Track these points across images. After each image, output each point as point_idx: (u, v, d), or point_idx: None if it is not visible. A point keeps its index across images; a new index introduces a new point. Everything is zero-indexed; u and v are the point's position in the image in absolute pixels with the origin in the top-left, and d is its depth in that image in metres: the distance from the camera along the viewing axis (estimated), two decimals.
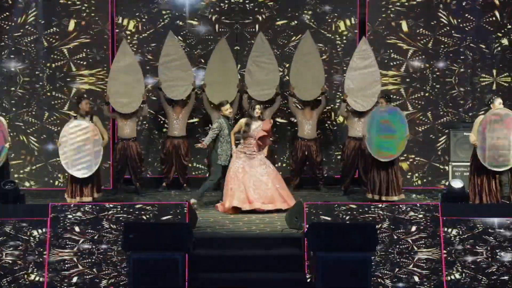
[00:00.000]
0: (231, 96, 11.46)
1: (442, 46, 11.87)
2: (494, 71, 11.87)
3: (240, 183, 9.93)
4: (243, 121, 10.26)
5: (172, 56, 11.55)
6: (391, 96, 11.29)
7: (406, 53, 11.86)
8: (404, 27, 11.86)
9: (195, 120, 12.06)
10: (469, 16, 11.81)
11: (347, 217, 8.23)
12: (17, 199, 9.07)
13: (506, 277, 8.15)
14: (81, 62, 11.78)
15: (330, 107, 12.06)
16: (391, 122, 10.10)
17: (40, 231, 8.14)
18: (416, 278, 8.07)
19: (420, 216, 8.25)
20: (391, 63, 11.83)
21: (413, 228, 8.21)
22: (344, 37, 12.05)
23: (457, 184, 9.46)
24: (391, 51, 11.84)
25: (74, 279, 8.00)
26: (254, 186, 9.93)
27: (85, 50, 11.78)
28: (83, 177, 9.82)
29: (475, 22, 11.81)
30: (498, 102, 9.65)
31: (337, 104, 12.00)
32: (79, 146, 9.81)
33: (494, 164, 9.45)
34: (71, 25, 11.76)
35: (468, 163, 9.93)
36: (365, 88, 11.10)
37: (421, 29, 11.86)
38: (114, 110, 11.35)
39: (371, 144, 10.09)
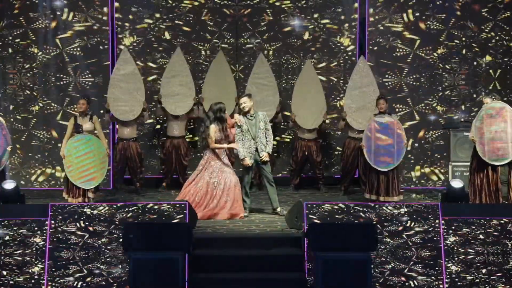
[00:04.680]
0: (229, 109, 11.53)
1: (442, 45, 11.92)
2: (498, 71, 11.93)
3: None
4: (214, 127, 9.63)
5: (176, 71, 11.60)
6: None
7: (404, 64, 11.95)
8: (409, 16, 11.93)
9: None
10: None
11: (347, 217, 8.23)
12: (17, 199, 9.06)
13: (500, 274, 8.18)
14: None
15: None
16: (386, 136, 10.06)
17: (40, 231, 8.14)
18: (416, 278, 8.07)
19: (420, 216, 8.24)
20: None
21: (413, 228, 8.20)
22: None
23: (457, 184, 9.45)
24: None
25: (74, 279, 7.99)
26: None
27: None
28: (89, 188, 9.89)
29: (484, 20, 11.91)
30: (489, 98, 9.72)
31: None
32: (83, 159, 9.83)
33: (494, 159, 9.42)
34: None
35: (468, 163, 9.93)
36: (364, 106, 11.10)
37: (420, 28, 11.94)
38: (113, 115, 11.36)
39: (371, 153, 10.06)
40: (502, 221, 8.28)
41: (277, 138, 12.09)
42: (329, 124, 11.83)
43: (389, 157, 9.98)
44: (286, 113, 11.97)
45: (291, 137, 12.14)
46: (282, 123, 12.06)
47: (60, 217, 8.16)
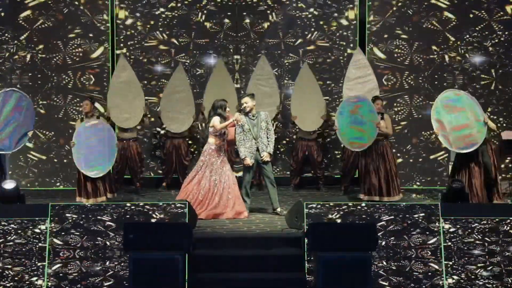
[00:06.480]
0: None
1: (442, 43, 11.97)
2: (493, 71, 11.95)
3: None
4: (217, 118, 9.69)
5: (176, 88, 11.61)
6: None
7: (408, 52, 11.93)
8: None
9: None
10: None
11: (347, 217, 8.23)
12: (17, 199, 9.06)
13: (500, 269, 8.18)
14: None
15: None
16: (360, 112, 10.07)
17: (40, 231, 8.14)
18: (416, 278, 8.07)
19: (420, 216, 8.24)
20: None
21: (413, 228, 8.21)
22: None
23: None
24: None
25: (74, 279, 8.00)
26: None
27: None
28: (96, 177, 9.83)
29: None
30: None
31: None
32: (93, 146, 9.81)
33: (462, 147, 9.35)
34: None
35: None
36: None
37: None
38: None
39: (343, 135, 10.07)
40: (502, 221, 8.29)
41: (279, 146, 12.19)
42: (332, 122, 11.84)
43: (363, 140, 10.04)
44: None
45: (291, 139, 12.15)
46: (280, 126, 12.13)
47: (60, 217, 8.17)
